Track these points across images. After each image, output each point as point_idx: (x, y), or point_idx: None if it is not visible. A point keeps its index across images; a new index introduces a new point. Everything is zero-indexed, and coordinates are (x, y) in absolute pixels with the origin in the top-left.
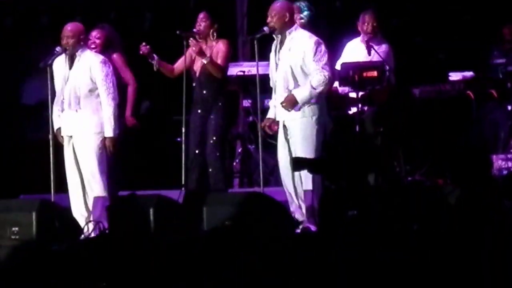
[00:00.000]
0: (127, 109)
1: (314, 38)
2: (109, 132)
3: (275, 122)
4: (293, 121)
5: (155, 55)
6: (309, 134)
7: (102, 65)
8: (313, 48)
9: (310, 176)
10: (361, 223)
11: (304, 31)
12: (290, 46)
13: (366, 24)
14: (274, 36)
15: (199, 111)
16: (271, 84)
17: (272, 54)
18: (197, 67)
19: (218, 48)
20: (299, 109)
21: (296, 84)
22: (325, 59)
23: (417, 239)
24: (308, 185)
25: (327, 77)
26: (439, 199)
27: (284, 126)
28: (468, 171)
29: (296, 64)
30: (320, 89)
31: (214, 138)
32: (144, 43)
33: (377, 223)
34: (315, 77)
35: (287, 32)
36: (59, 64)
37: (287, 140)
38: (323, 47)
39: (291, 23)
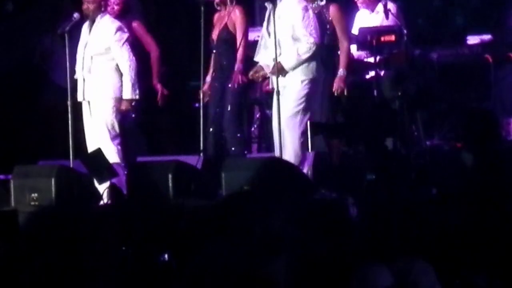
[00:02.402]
0: (153, 77)
1: (302, 4)
2: (127, 94)
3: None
4: (285, 87)
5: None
6: (298, 97)
7: (117, 31)
8: (301, 14)
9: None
10: (380, 187)
11: None
12: (280, 14)
13: None
14: (266, 5)
15: (217, 78)
16: (255, 57)
17: (264, 23)
18: (215, 35)
19: (235, 17)
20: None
21: (284, 52)
22: (312, 24)
23: (435, 203)
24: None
25: (312, 44)
26: (457, 163)
27: (278, 92)
28: (477, 133)
29: (285, 33)
30: (306, 56)
31: (231, 104)
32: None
33: (396, 187)
34: (302, 44)
35: (277, 0)
36: (84, 30)
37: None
38: (310, 13)
39: None
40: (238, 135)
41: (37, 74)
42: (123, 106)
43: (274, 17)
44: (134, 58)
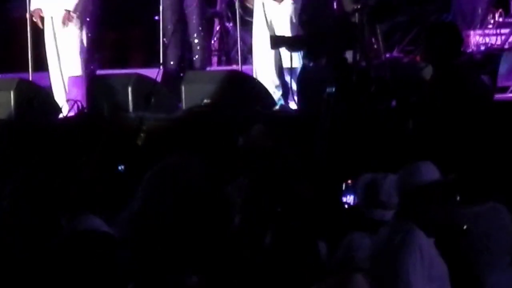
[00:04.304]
0: None
1: None
2: (70, 5)
3: None
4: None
5: None
6: (292, 15)
7: None
8: None
9: (287, 53)
10: (340, 100)
11: None
12: None
13: None
14: None
15: None
16: None
17: None
18: None
19: None
20: None
21: None
22: None
23: (396, 115)
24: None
25: None
26: (416, 75)
27: (263, 4)
28: (438, 46)
29: None
30: None
31: (196, 15)
32: None
33: (356, 99)
34: None
35: None
36: None
37: (266, 19)
38: None
39: None
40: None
41: None
42: (65, 16)
43: None
44: None
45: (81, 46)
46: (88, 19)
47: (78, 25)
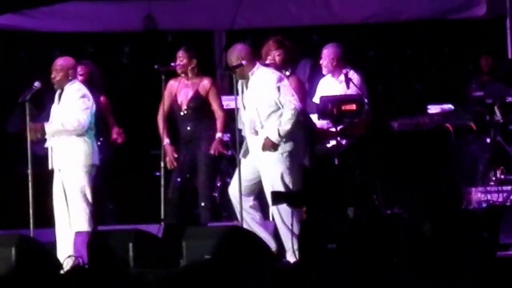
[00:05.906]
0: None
1: (275, 75)
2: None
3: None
4: (264, 159)
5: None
6: (281, 170)
7: (81, 98)
8: (276, 86)
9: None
10: (341, 256)
11: (267, 69)
12: (253, 86)
13: (322, 60)
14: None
15: (186, 148)
16: (239, 126)
17: (239, 97)
18: (181, 102)
19: (205, 87)
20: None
21: (262, 124)
22: (289, 92)
23: (396, 272)
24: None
25: (294, 111)
26: (417, 231)
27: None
28: (437, 203)
29: (260, 104)
30: (288, 126)
31: (207, 170)
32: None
33: (357, 256)
34: (284, 115)
35: (249, 74)
36: (55, 99)
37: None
38: (285, 82)
39: (250, 65)
40: (202, 204)
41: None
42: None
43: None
44: (86, 125)
45: (88, 202)
46: (94, 175)
47: (86, 180)
